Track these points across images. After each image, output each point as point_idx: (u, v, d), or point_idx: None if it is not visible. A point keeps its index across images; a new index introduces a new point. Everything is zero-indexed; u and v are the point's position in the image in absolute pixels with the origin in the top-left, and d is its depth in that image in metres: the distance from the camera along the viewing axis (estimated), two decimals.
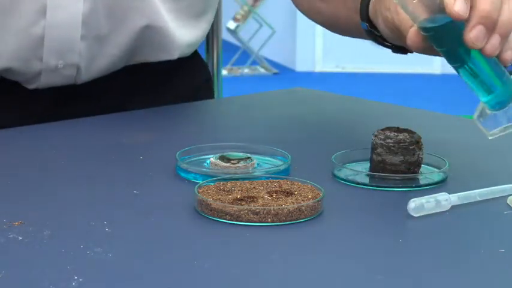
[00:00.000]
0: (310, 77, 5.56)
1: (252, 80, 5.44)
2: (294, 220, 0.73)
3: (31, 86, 1.10)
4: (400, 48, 0.93)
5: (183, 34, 1.16)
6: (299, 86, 1.32)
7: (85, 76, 1.10)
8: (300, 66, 5.73)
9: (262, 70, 5.71)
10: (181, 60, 1.17)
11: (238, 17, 5.71)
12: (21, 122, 1.05)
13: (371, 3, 0.94)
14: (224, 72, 5.34)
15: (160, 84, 1.18)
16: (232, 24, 5.67)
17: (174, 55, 1.16)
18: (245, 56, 5.74)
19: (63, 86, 1.11)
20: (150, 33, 1.12)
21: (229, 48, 5.76)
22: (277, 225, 0.73)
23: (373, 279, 0.63)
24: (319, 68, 5.57)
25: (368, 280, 0.63)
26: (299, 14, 1.18)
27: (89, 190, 0.81)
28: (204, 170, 0.84)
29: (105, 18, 1.08)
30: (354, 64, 5.43)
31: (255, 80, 5.44)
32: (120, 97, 1.15)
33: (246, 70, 5.69)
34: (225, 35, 5.32)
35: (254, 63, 5.76)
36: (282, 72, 5.62)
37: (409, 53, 0.91)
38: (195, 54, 1.23)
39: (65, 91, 1.12)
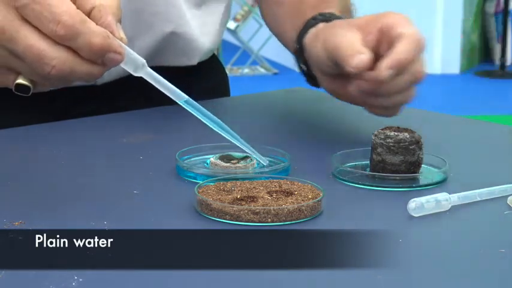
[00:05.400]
0: None
1: (252, 80, 5.44)
2: (294, 220, 0.73)
3: None
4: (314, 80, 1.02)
5: (206, 40, 1.16)
6: (299, 86, 1.32)
7: (106, 77, 1.10)
8: None
9: (262, 70, 5.71)
10: (199, 62, 1.18)
11: (238, 17, 5.71)
12: (39, 122, 1.05)
13: (311, 34, 1.01)
14: None
15: (178, 85, 1.19)
16: (232, 24, 5.66)
17: (195, 61, 1.16)
18: (245, 56, 5.74)
19: (78, 86, 1.11)
20: (174, 38, 1.12)
21: (229, 48, 5.76)
22: (277, 225, 0.73)
23: (373, 279, 0.63)
24: None
25: (368, 280, 0.63)
26: None
27: (89, 190, 0.81)
28: (204, 170, 0.84)
29: (130, 22, 1.08)
30: None
31: (255, 80, 5.44)
32: (138, 98, 1.15)
33: (246, 70, 5.69)
34: (225, 35, 5.32)
35: (254, 63, 5.76)
36: (282, 72, 5.62)
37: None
38: (212, 55, 1.24)
39: (84, 91, 1.12)
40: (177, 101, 0.79)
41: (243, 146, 0.82)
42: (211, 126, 0.80)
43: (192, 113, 0.79)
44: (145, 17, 1.10)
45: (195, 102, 0.79)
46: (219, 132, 0.81)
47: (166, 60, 1.15)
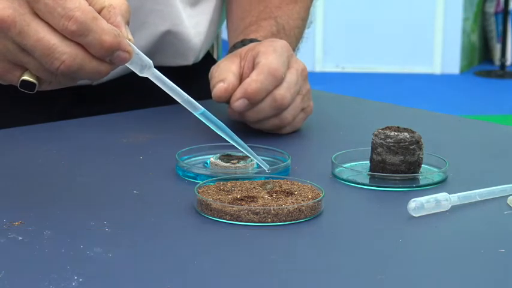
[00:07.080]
0: (310, 77, 5.53)
1: None
2: (294, 220, 0.73)
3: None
4: None
5: (201, 40, 1.17)
6: None
7: (104, 78, 1.10)
8: None
9: None
10: (195, 63, 1.18)
11: None
12: (39, 122, 1.04)
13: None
14: None
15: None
16: None
17: (190, 61, 1.17)
18: None
19: (79, 86, 1.10)
20: (170, 38, 1.13)
21: None
22: (277, 225, 0.73)
23: (373, 279, 0.63)
24: (319, 68, 5.56)
25: (368, 280, 0.63)
26: None
27: (89, 190, 0.81)
28: (204, 170, 0.84)
29: None
30: (354, 64, 5.43)
31: None
32: (135, 98, 1.15)
33: None
34: (225, 35, 5.33)
35: None
36: None
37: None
38: (208, 55, 1.24)
39: (81, 92, 1.11)
40: (193, 113, 0.78)
41: (257, 159, 0.81)
42: (226, 138, 0.80)
43: (207, 124, 0.79)
44: (142, 14, 1.10)
45: (210, 114, 0.79)
46: (234, 145, 0.80)
47: (162, 60, 1.15)
